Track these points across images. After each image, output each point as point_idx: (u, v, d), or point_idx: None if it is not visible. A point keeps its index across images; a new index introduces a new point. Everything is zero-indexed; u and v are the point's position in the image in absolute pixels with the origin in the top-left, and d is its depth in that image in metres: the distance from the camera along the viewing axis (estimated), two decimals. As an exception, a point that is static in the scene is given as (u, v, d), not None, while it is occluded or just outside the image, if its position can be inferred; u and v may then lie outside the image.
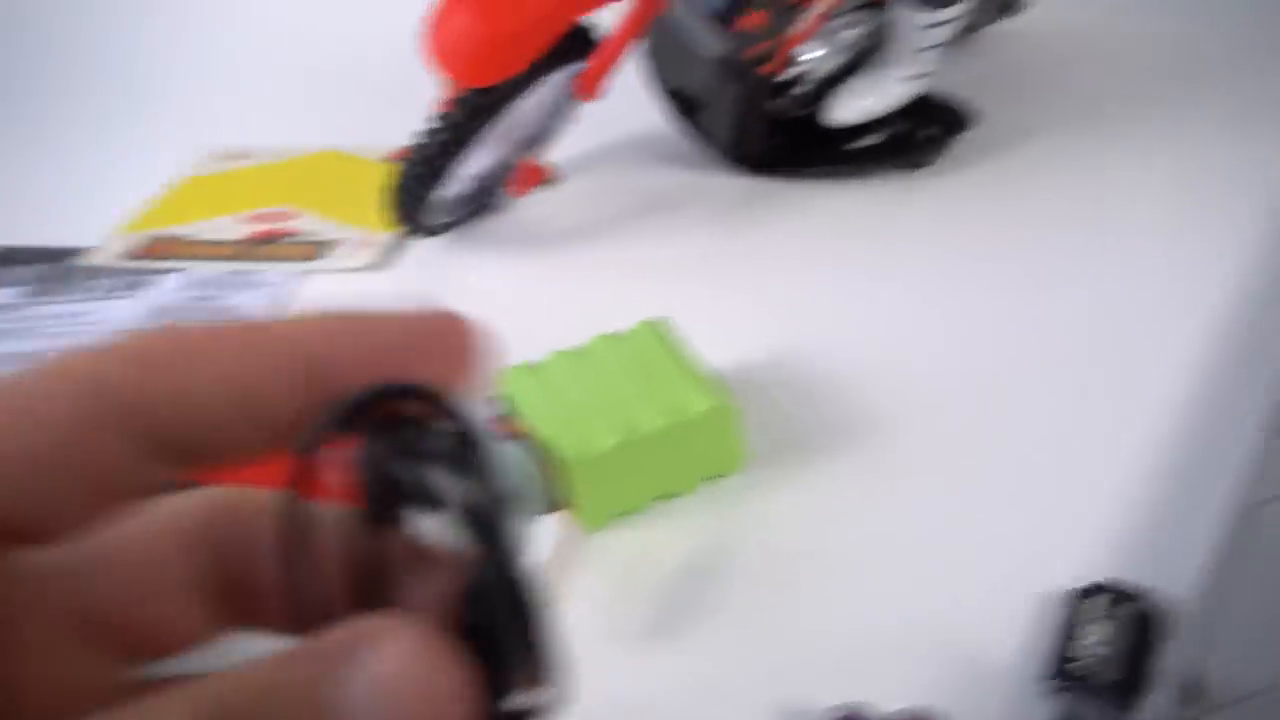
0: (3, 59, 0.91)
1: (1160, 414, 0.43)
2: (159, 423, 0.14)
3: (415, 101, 0.76)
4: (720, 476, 0.43)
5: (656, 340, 0.44)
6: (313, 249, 0.64)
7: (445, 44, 0.46)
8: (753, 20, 0.50)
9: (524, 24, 0.45)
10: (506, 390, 0.43)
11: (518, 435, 0.41)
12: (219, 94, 0.85)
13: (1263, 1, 0.73)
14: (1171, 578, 0.35)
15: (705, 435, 0.41)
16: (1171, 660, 0.32)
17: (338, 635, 0.12)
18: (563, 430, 0.40)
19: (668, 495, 0.42)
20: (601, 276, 0.57)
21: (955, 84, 0.64)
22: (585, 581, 0.39)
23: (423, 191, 0.54)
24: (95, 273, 0.65)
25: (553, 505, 0.38)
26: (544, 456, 0.39)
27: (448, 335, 0.15)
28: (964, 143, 0.61)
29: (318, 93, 0.82)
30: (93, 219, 0.70)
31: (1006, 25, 0.71)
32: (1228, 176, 0.57)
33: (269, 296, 0.60)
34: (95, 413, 0.14)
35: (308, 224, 0.66)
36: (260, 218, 0.68)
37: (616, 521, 0.41)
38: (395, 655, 0.12)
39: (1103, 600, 0.34)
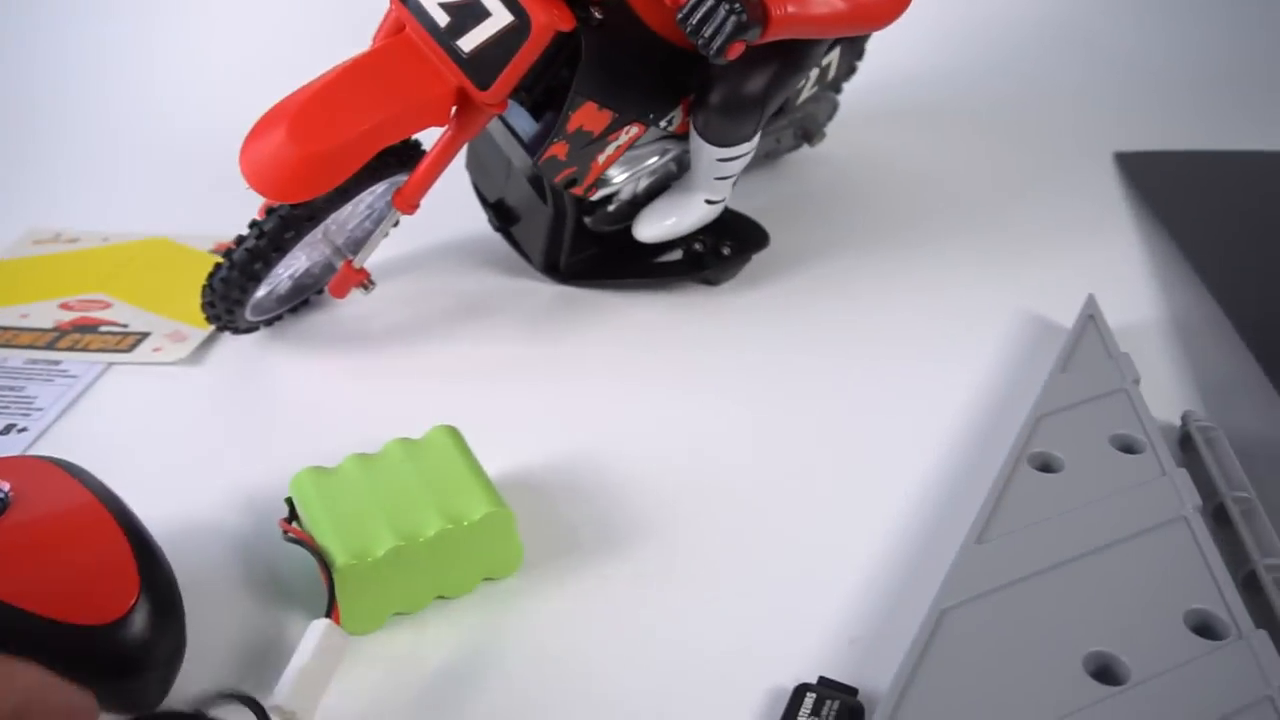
0: None
1: (885, 528, 0.48)
2: None
3: (250, 196, 0.77)
4: (498, 578, 0.45)
5: (448, 445, 0.47)
6: (124, 340, 0.64)
7: (255, 162, 0.48)
8: (558, 149, 0.53)
9: (336, 147, 0.47)
10: (297, 494, 0.45)
11: (301, 541, 0.42)
12: (48, 170, 0.84)
13: (1038, 142, 0.82)
14: (879, 674, 0.39)
15: (483, 539, 0.44)
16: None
17: None
18: (343, 535, 0.42)
19: (447, 594, 0.44)
20: (408, 379, 0.59)
21: (754, 206, 0.70)
22: (351, 682, 0.40)
23: (236, 295, 0.55)
24: (-112, 355, 0.63)
25: (325, 609, 0.40)
26: (320, 561, 0.41)
27: None
28: (757, 262, 0.67)
29: (150, 177, 0.83)
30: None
31: (807, 151, 0.78)
32: (988, 295, 0.64)
33: (70, 388, 0.60)
34: None
35: (121, 314, 0.66)
36: (71, 305, 0.68)
37: (395, 620, 0.43)
38: None
39: (818, 695, 0.38)
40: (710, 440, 0.54)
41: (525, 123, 0.55)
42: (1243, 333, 0.57)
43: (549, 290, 0.67)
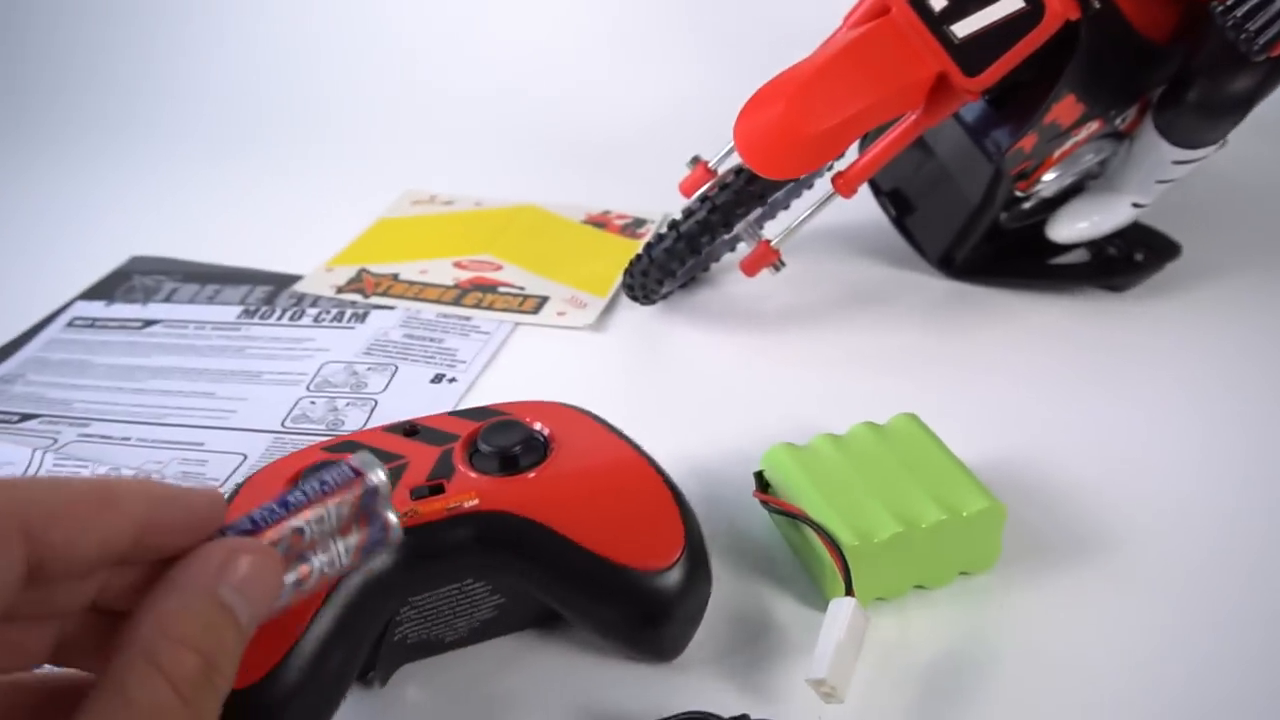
0: (238, 102, 0.95)
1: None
2: (42, 550, 0.23)
3: (608, 169, 0.80)
4: (973, 572, 0.44)
5: (916, 432, 0.46)
6: (526, 302, 0.66)
7: (751, 136, 0.48)
8: (1027, 142, 0.52)
9: (831, 129, 0.47)
10: (773, 467, 0.45)
11: (794, 515, 0.43)
12: (421, 137, 0.88)
13: None
14: None
15: (972, 532, 0.43)
16: None
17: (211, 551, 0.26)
18: (841, 514, 0.42)
19: (926, 584, 0.44)
20: (810, 363, 0.59)
21: (1153, 215, 0.67)
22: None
23: (675, 266, 0.56)
24: (305, 300, 0.68)
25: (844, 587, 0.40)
26: (826, 538, 0.41)
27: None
28: (1163, 271, 0.64)
29: (516, 148, 0.86)
30: (294, 248, 0.73)
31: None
32: None
33: (487, 344, 0.62)
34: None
35: (513, 276, 0.69)
36: (464, 265, 0.71)
37: (877, 605, 0.43)
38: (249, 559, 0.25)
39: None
40: (1151, 451, 0.51)
41: (977, 112, 0.54)
42: None
43: (939, 284, 0.65)
